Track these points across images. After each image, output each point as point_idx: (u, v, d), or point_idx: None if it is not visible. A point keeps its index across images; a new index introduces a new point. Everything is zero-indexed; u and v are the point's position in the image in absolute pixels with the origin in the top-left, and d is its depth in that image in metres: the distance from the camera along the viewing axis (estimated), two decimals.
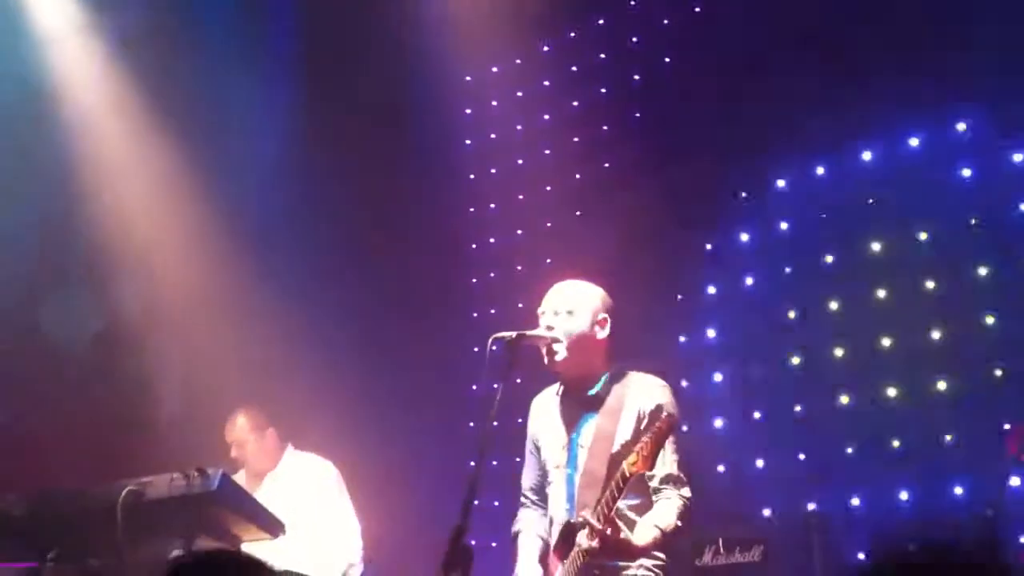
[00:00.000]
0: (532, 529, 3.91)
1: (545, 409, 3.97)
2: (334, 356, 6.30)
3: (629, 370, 3.87)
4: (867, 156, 5.71)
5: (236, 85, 6.46)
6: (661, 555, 3.69)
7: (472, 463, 3.47)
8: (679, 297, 6.23)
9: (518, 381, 4.07)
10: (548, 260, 6.39)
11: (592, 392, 3.81)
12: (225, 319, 6.27)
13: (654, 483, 3.69)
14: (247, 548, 4.31)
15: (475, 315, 6.71)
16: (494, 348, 3.60)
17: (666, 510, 3.67)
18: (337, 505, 5.23)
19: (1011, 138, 5.27)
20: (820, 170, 5.86)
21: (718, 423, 5.98)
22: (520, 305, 5.84)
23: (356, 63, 6.70)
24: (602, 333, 3.85)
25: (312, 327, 6.34)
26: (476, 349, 6.13)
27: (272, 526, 4.31)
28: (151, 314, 6.39)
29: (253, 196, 6.60)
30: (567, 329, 3.79)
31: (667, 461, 3.68)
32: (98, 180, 6.36)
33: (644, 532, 3.61)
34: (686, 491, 3.71)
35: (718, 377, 6.07)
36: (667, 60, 6.42)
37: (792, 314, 5.84)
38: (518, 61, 6.87)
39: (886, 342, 5.52)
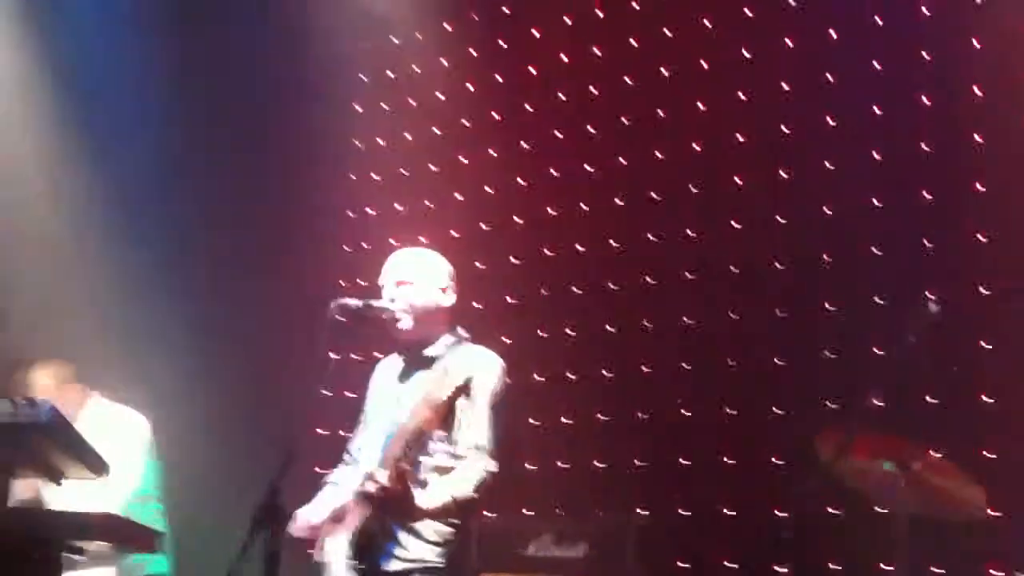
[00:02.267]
0: (343, 482, 3.88)
1: (386, 372, 4.02)
2: (174, 304, 6.25)
3: (468, 341, 3.90)
4: None
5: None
6: (449, 532, 3.66)
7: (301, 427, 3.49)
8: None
9: (354, 356, 4.12)
10: (423, 239, 6.38)
11: (427, 352, 3.85)
12: (60, 250, 6.11)
13: (459, 448, 3.66)
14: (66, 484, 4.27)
15: (341, 283, 6.66)
16: (337, 315, 3.64)
17: (464, 478, 3.64)
18: (133, 459, 5.07)
19: None
20: None
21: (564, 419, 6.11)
22: None
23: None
24: (446, 301, 3.90)
25: (159, 274, 6.29)
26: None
27: (97, 465, 4.23)
28: None
29: (120, 124, 6.48)
30: (410, 300, 3.83)
31: (479, 430, 3.67)
32: None
33: (432, 495, 3.57)
34: (492, 465, 3.68)
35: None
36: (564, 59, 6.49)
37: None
38: (419, 36, 6.86)
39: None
